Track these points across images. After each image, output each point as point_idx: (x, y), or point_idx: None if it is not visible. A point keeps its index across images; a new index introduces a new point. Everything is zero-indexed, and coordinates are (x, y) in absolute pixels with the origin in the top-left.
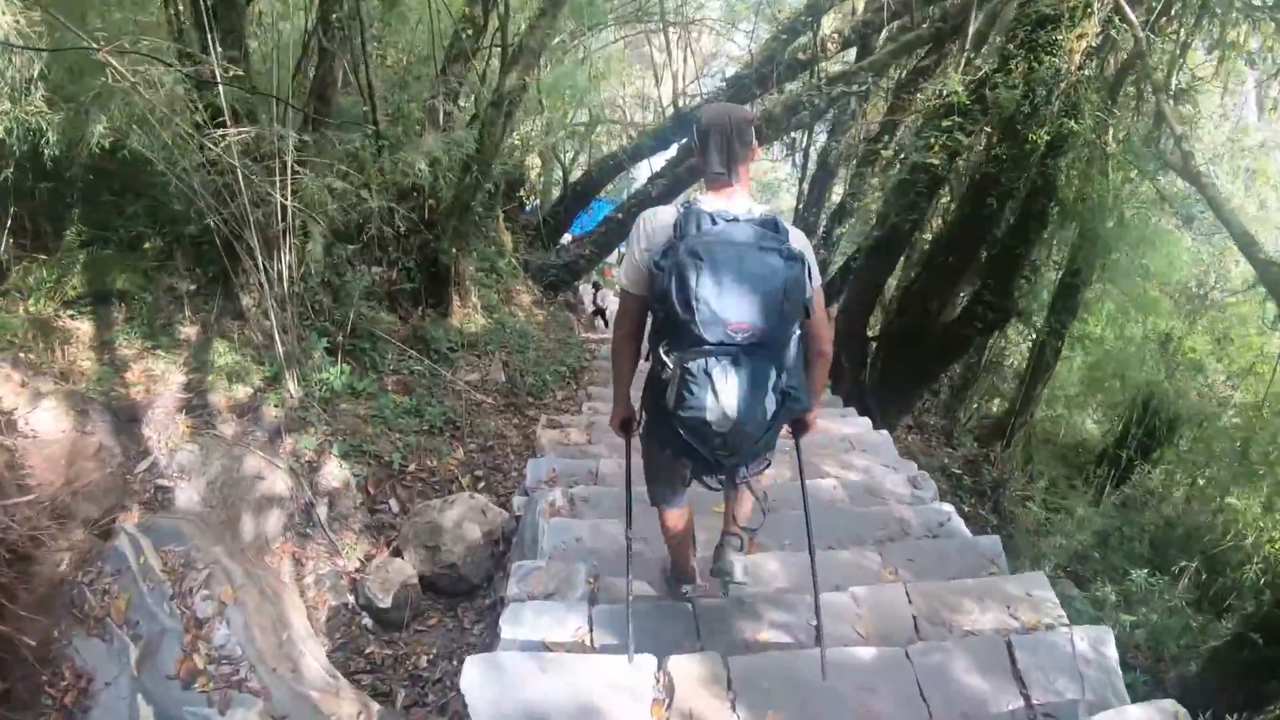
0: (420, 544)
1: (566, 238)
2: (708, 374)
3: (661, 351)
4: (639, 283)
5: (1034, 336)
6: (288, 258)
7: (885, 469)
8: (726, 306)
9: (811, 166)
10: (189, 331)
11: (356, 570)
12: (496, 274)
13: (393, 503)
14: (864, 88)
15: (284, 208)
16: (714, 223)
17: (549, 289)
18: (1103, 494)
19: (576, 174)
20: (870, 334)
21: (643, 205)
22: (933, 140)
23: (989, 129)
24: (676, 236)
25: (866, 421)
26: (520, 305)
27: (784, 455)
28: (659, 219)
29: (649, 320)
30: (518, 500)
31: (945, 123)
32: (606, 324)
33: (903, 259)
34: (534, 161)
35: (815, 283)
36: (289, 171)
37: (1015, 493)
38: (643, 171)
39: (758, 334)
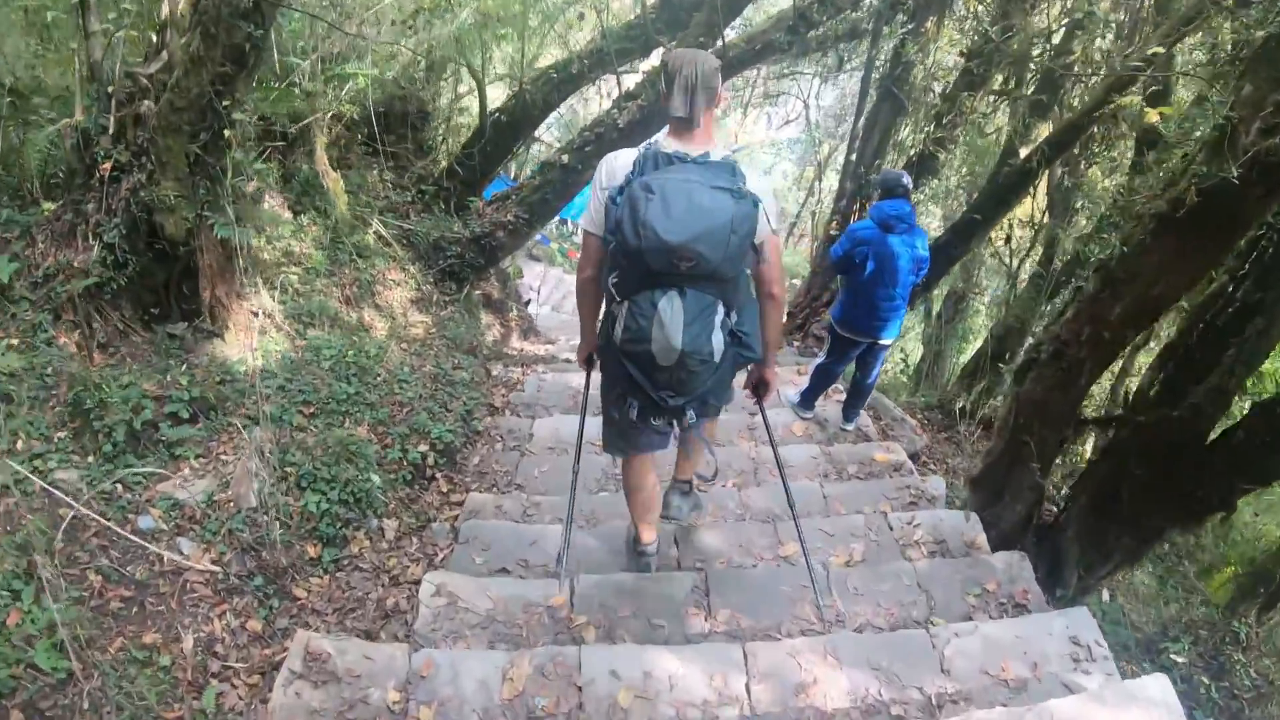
0: None
1: (486, 197)
2: (653, 304)
3: (611, 285)
4: (598, 222)
5: None
6: None
7: None
8: (672, 232)
9: (871, 98)
10: None
11: None
12: (354, 255)
13: None
14: None
15: None
16: (670, 162)
17: (445, 278)
18: None
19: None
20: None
21: (602, 140)
22: None
23: None
24: (635, 174)
25: (1104, 656)
26: (385, 308)
27: None
28: (620, 159)
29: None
30: None
31: None
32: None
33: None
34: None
35: (770, 227)
36: None
37: None
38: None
39: (703, 264)
